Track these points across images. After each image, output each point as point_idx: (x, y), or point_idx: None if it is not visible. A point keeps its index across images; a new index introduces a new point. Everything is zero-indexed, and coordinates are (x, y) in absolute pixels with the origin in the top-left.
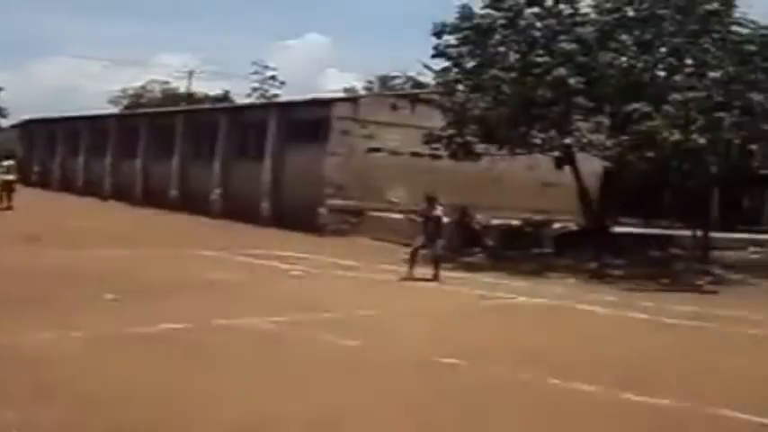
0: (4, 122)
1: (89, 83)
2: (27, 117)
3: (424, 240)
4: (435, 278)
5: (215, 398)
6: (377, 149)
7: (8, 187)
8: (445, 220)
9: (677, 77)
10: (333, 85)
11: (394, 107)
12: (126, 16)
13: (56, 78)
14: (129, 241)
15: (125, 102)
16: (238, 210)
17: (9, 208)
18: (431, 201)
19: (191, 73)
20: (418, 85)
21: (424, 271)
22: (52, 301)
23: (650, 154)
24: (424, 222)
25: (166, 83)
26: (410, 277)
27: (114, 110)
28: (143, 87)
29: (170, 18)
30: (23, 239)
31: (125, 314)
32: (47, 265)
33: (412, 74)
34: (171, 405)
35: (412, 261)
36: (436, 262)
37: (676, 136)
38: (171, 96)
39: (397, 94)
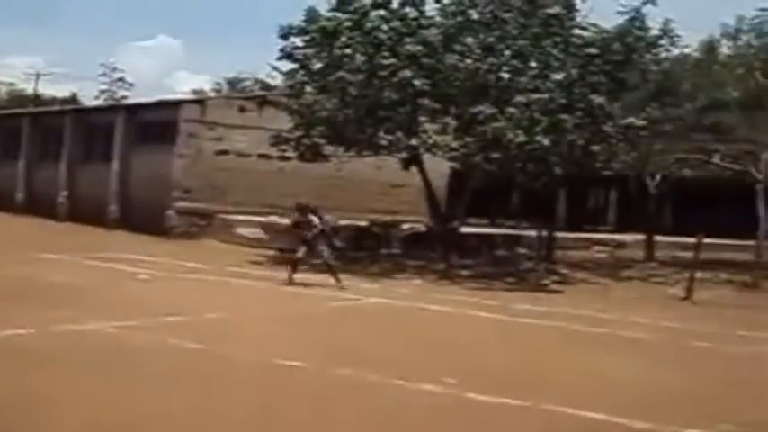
0: None
1: None
2: None
3: (304, 250)
4: (338, 282)
5: (53, 404)
6: (225, 152)
7: None
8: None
9: (521, 80)
10: (183, 87)
11: (242, 109)
12: None
13: None
14: None
15: None
16: (86, 213)
17: None
18: (303, 210)
19: (38, 75)
20: (267, 87)
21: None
22: None
23: (496, 155)
24: (300, 230)
25: (12, 84)
26: (291, 282)
27: None
28: None
29: (18, 21)
30: None
31: None
32: None
33: (261, 76)
34: (12, 413)
35: (293, 269)
36: (330, 268)
37: (521, 137)
38: (17, 98)
39: (245, 97)
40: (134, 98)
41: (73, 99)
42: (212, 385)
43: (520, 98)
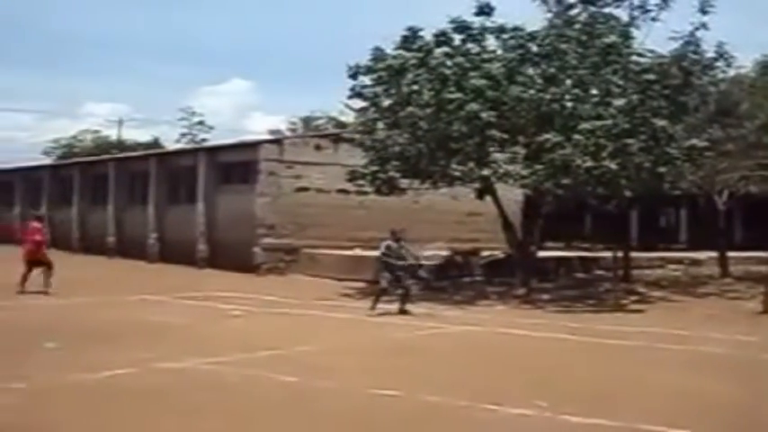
0: None
1: (23, 135)
2: None
3: (389, 279)
4: (404, 311)
5: None
6: (304, 189)
7: None
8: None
9: (584, 107)
10: (259, 127)
11: (318, 147)
12: (54, 70)
13: None
14: (68, 289)
15: (58, 152)
16: (175, 253)
17: None
18: (396, 236)
19: (120, 121)
20: (340, 124)
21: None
22: None
23: (566, 181)
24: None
25: (97, 132)
26: (374, 309)
27: (48, 160)
28: (75, 137)
29: (97, 71)
30: None
31: (67, 362)
32: None
33: (334, 114)
34: None
35: (377, 299)
36: (404, 295)
37: (588, 162)
38: (102, 145)
39: (320, 135)
40: (213, 140)
41: (155, 143)
42: (312, 417)
43: (584, 125)
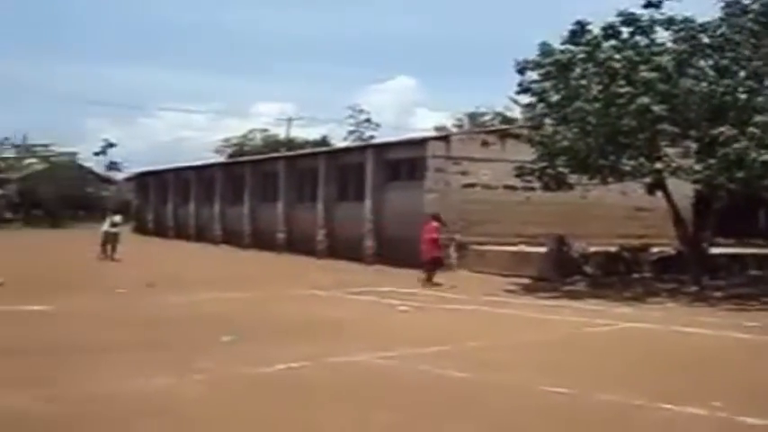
0: (119, 176)
1: (195, 134)
2: (140, 170)
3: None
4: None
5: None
6: (471, 185)
7: (111, 239)
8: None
9: (758, 99)
10: (424, 124)
11: (484, 143)
12: (226, 72)
13: (164, 132)
14: (241, 284)
15: (229, 150)
16: (343, 249)
17: (113, 259)
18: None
19: (289, 120)
20: (506, 120)
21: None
22: (171, 346)
23: (740, 175)
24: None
25: (266, 131)
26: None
27: (220, 159)
28: (245, 136)
29: (266, 71)
30: (139, 286)
31: (243, 355)
32: (163, 310)
33: (499, 109)
34: None
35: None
36: None
37: (764, 156)
38: (272, 143)
39: (487, 131)
40: (379, 137)
41: (323, 141)
42: (487, 414)
43: (759, 118)
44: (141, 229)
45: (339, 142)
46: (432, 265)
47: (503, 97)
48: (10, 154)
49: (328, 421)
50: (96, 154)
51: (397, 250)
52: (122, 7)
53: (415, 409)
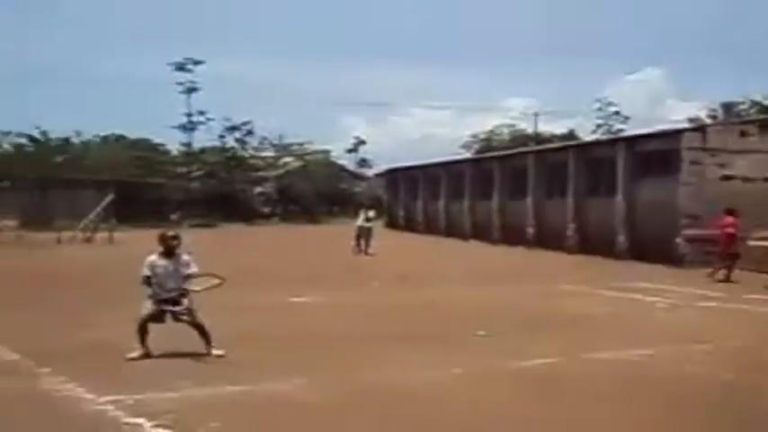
0: (369, 172)
1: (442, 130)
2: (389, 166)
3: None
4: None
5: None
6: (729, 177)
7: (366, 233)
8: None
9: None
10: (674, 115)
11: (743, 134)
12: (471, 67)
13: (413, 129)
14: (491, 278)
15: (476, 146)
16: (593, 244)
17: (367, 253)
18: None
19: (536, 114)
20: (764, 109)
21: None
22: (428, 339)
23: None
24: None
25: (513, 125)
26: None
27: (467, 154)
28: (491, 131)
29: (513, 66)
30: (392, 280)
31: (497, 349)
32: (415, 304)
33: (757, 98)
34: None
35: None
36: None
37: None
38: (519, 138)
39: (744, 121)
40: (629, 130)
41: (571, 135)
42: (753, 418)
43: None
44: (392, 224)
45: (587, 136)
46: (730, 261)
47: (762, 85)
48: (268, 153)
49: (584, 414)
50: (348, 151)
51: (650, 246)
52: (384, 9)
53: (675, 407)
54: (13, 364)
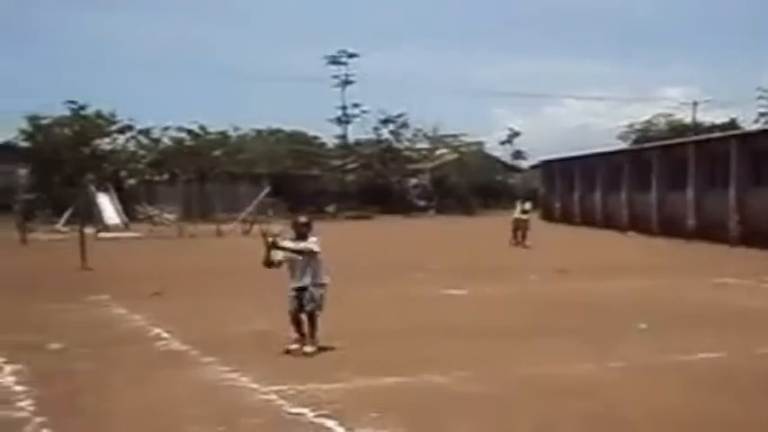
0: (524, 164)
1: (598, 121)
2: (545, 157)
3: None
4: None
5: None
6: None
7: (522, 225)
8: None
9: None
10: None
11: None
12: (629, 58)
13: (567, 119)
14: (651, 271)
15: (633, 137)
16: (758, 236)
17: (524, 246)
18: None
19: (695, 104)
20: None
21: None
22: (586, 332)
23: None
24: None
25: (670, 115)
26: None
27: (623, 145)
28: (649, 121)
29: (671, 54)
30: (550, 273)
31: (660, 343)
32: (575, 296)
33: None
34: None
35: None
36: None
37: None
38: (677, 127)
39: None
40: None
41: (732, 124)
42: None
43: None
44: (548, 217)
45: (749, 126)
46: None
47: None
48: (423, 145)
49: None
50: (502, 143)
51: None
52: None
53: None
54: (180, 354)
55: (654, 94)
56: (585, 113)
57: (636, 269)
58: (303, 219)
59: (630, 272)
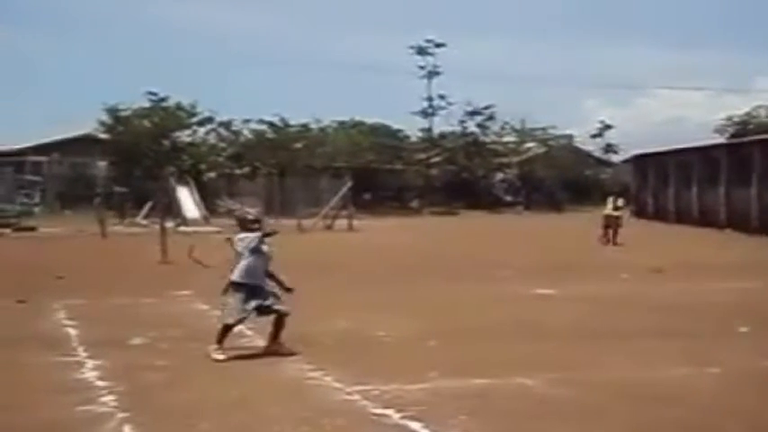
0: (616, 158)
1: (693, 113)
2: (637, 151)
3: None
4: None
5: None
6: None
7: (614, 222)
8: None
9: None
10: None
11: None
12: (728, 47)
13: (660, 112)
14: (751, 271)
15: (731, 129)
16: None
17: (615, 243)
18: None
19: None
20: None
21: None
22: (683, 335)
23: None
24: None
25: None
26: None
27: (721, 139)
28: (748, 113)
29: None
30: (644, 272)
31: (761, 347)
32: (671, 297)
33: None
34: None
35: None
36: None
37: None
38: None
39: None
40: None
41: None
42: None
43: None
44: (640, 213)
45: None
46: None
47: None
48: (510, 138)
49: None
50: (593, 136)
51: None
52: None
53: None
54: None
55: (754, 85)
56: (680, 105)
57: (735, 269)
58: (251, 217)
59: (729, 271)
